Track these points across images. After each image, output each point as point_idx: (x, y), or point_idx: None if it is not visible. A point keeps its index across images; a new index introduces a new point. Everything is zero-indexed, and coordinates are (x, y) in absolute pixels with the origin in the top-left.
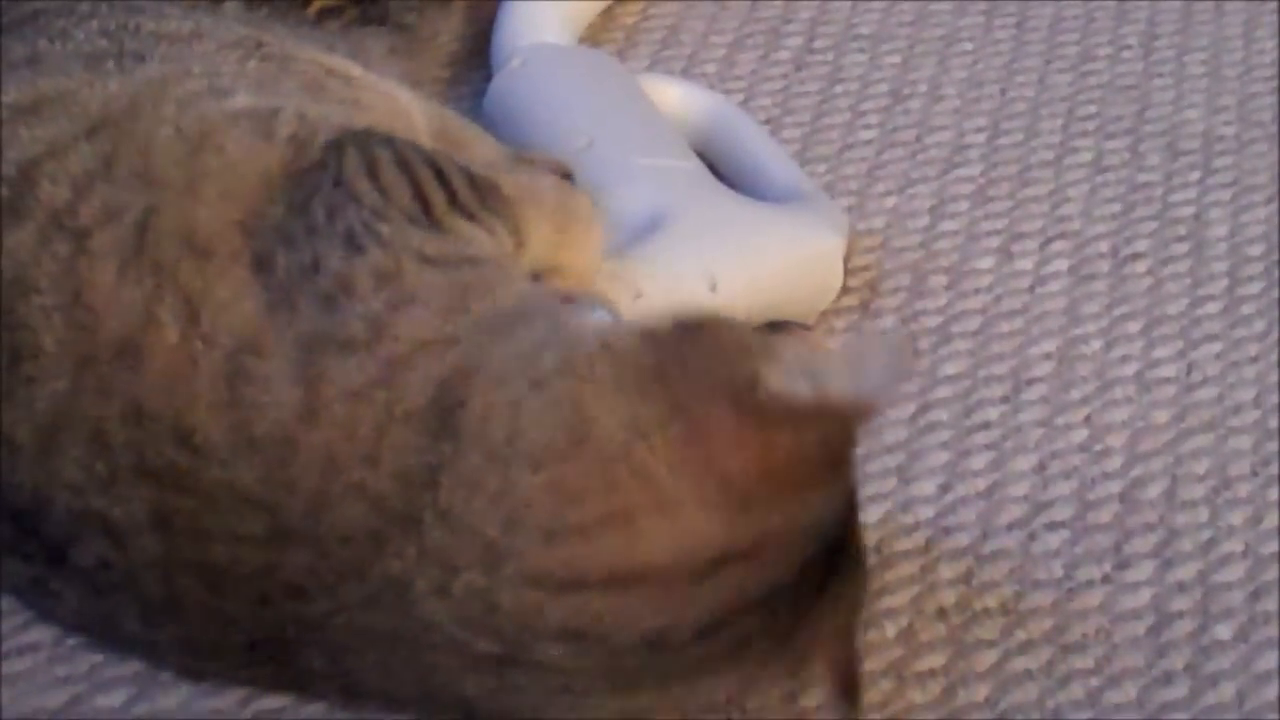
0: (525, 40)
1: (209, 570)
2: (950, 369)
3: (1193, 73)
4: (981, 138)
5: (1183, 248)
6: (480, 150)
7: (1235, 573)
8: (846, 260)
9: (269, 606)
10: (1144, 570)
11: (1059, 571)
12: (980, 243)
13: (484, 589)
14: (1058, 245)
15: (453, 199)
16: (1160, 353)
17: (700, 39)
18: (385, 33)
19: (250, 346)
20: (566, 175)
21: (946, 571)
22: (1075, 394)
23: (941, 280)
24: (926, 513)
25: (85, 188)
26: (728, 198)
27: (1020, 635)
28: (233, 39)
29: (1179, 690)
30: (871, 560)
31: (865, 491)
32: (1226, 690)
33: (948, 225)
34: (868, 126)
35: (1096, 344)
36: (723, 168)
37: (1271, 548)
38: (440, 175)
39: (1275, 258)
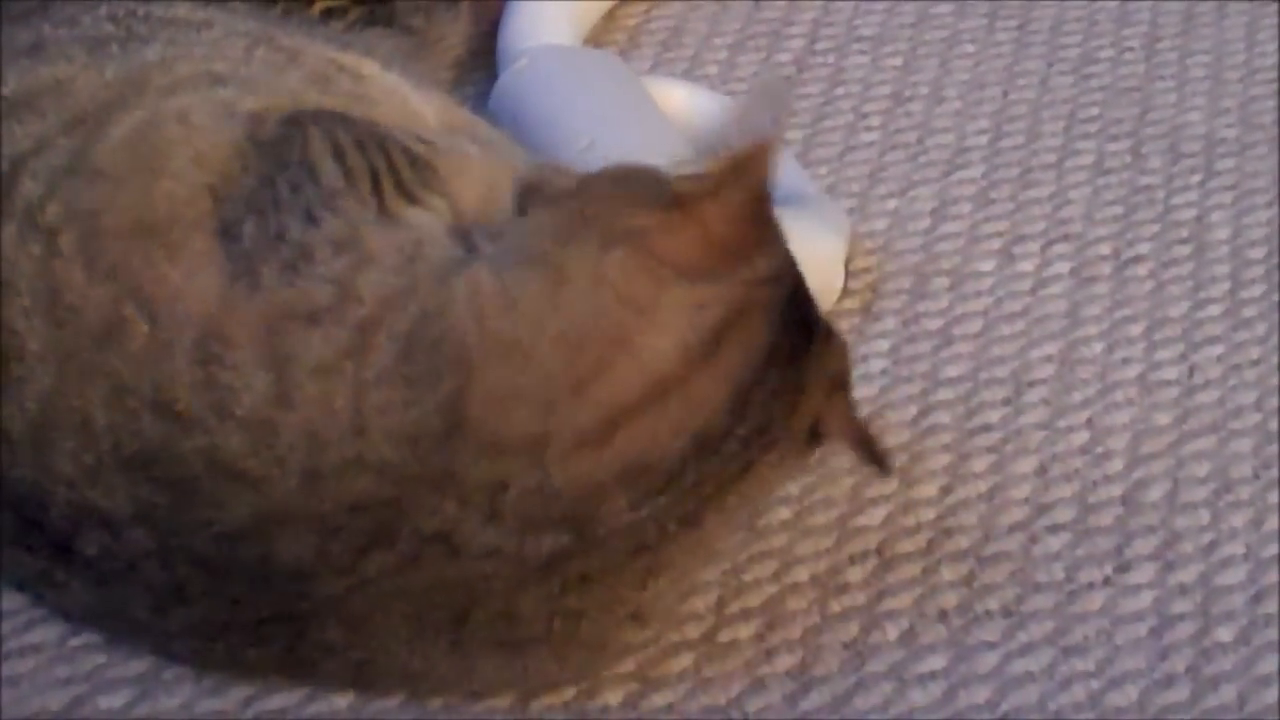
0: (531, 41)
1: (202, 558)
2: (951, 371)
3: (1195, 75)
4: (983, 140)
5: (1184, 250)
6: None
7: (1237, 575)
8: (848, 263)
9: (270, 588)
10: (1145, 573)
11: (1060, 574)
12: (982, 245)
13: (537, 485)
14: (1059, 248)
15: (399, 185)
16: (1162, 355)
17: (702, 40)
18: (391, 34)
19: (216, 334)
20: None
21: (948, 574)
22: (1077, 397)
23: (943, 282)
24: (928, 515)
25: (56, 184)
26: None
27: (1022, 638)
28: (243, 29)
29: (1180, 693)
30: (873, 563)
31: (867, 494)
32: (1228, 693)
33: (949, 227)
34: (869, 128)
35: (1098, 346)
36: None
37: (1273, 551)
38: (389, 159)
39: (1277, 261)
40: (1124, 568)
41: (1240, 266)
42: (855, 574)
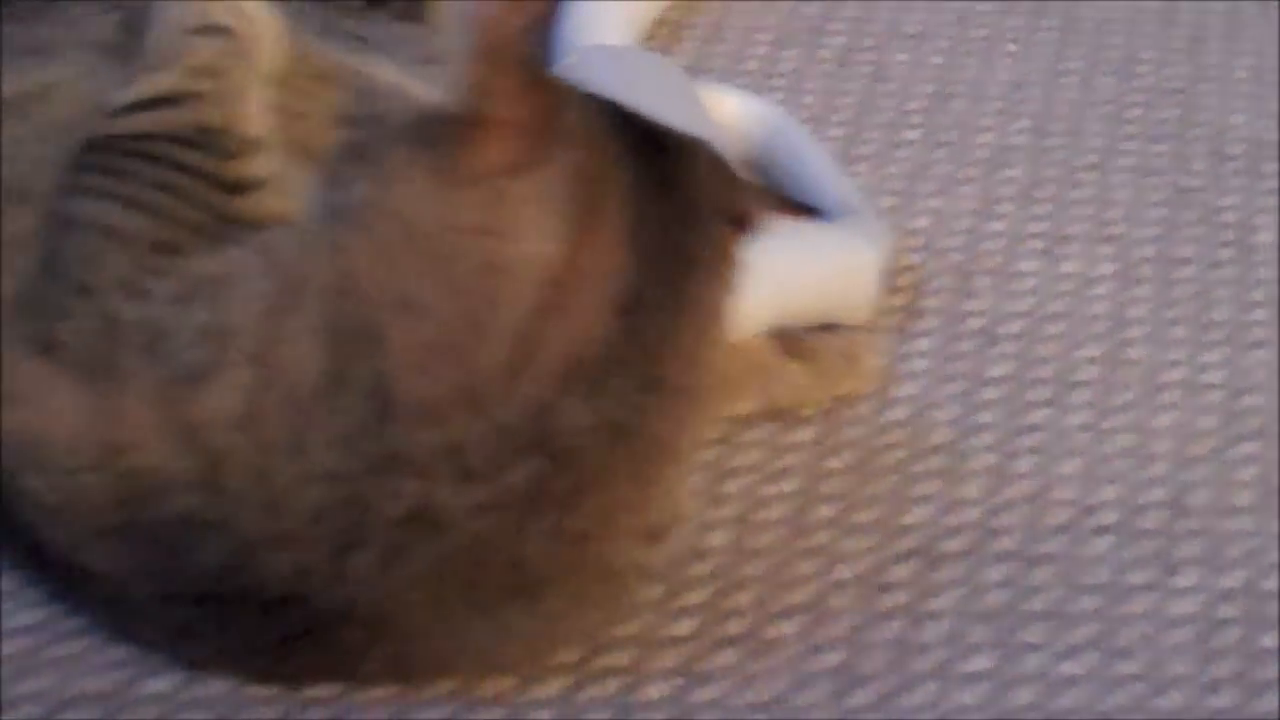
0: (584, 40)
1: (199, 597)
2: (996, 371)
3: (1239, 77)
4: (1026, 139)
5: (1229, 253)
6: None
7: None
8: (885, 276)
9: (272, 613)
10: (1191, 576)
11: (1106, 577)
12: (1025, 244)
13: (487, 429)
14: (1103, 248)
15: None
16: (1207, 358)
17: (743, 36)
18: (410, 27)
19: (113, 446)
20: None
21: (993, 574)
22: (1122, 398)
23: (986, 282)
24: (973, 515)
25: (16, 200)
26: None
27: (1068, 639)
28: None
29: (1226, 698)
30: (918, 562)
31: (911, 492)
32: (1272, 699)
33: (993, 226)
34: (912, 126)
35: (1143, 348)
36: (776, 178)
37: None
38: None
39: None
40: (1170, 571)
41: None
42: (900, 572)
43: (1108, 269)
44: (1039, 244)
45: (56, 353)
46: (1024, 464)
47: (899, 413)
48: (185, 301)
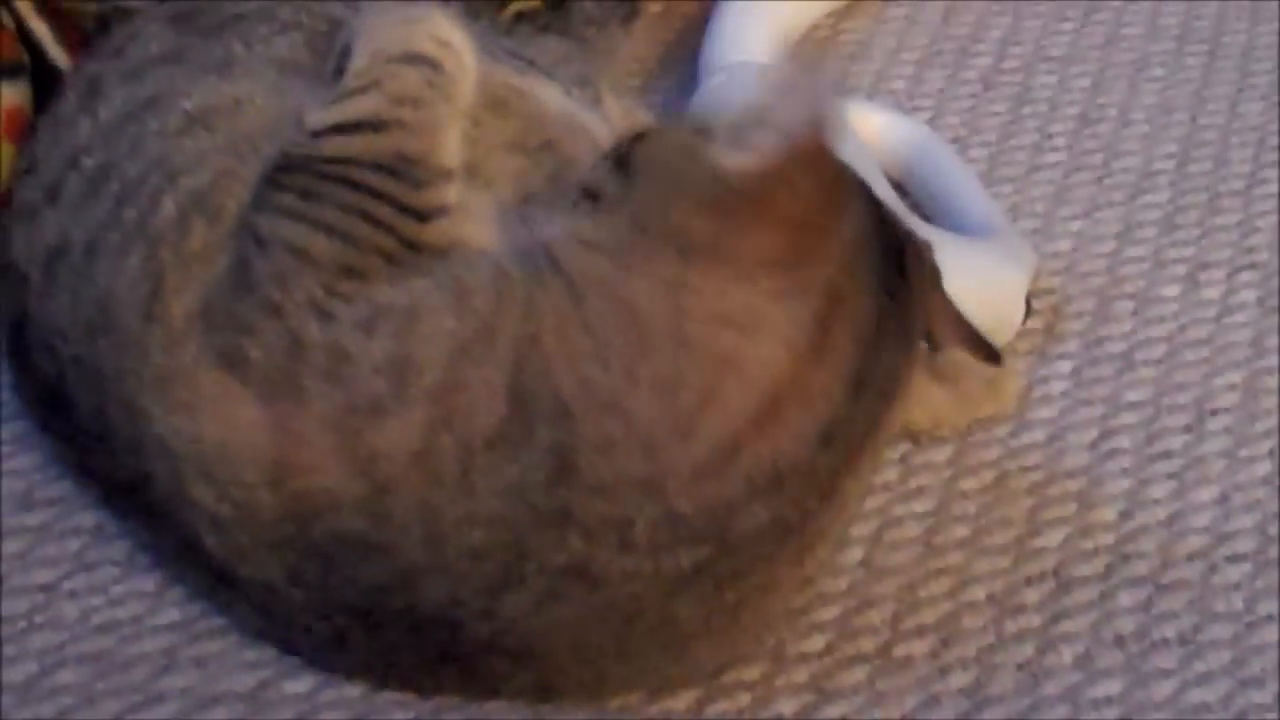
0: (732, 57)
1: (356, 610)
2: (1133, 396)
3: None
4: (1170, 164)
5: None
6: None
7: None
8: (1030, 296)
9: (424, 633)
10: None
11: (1239, 605)
12: (1166, 270)
13: (662, 515)
14: (1245, 275)
15: (397, 224)
16: None
17: (890, 55)
18: (562, 43)
19: (286, 466)
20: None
21: (1125, 599)
22: (1259, 426)
23: (1127, 306)
24: (1106, 539)
25: (187, 213)
26: (915, 225)
27: (1199, 667)
28: None
29: None
30: (1050, 585)
31: (1045, 515)
32: None
33: (1134, 251)
34: (1055, 149)
35: None
36: (919, 197)
37: None
38: (375, 217)
39: None
40: None
41: None
42: (1032, 595)
43: (1249, 296)
44: (1180, 269)
45: (240, 367)
46: (1159, 490)
47: (1035, 435)
48: (370, 329)
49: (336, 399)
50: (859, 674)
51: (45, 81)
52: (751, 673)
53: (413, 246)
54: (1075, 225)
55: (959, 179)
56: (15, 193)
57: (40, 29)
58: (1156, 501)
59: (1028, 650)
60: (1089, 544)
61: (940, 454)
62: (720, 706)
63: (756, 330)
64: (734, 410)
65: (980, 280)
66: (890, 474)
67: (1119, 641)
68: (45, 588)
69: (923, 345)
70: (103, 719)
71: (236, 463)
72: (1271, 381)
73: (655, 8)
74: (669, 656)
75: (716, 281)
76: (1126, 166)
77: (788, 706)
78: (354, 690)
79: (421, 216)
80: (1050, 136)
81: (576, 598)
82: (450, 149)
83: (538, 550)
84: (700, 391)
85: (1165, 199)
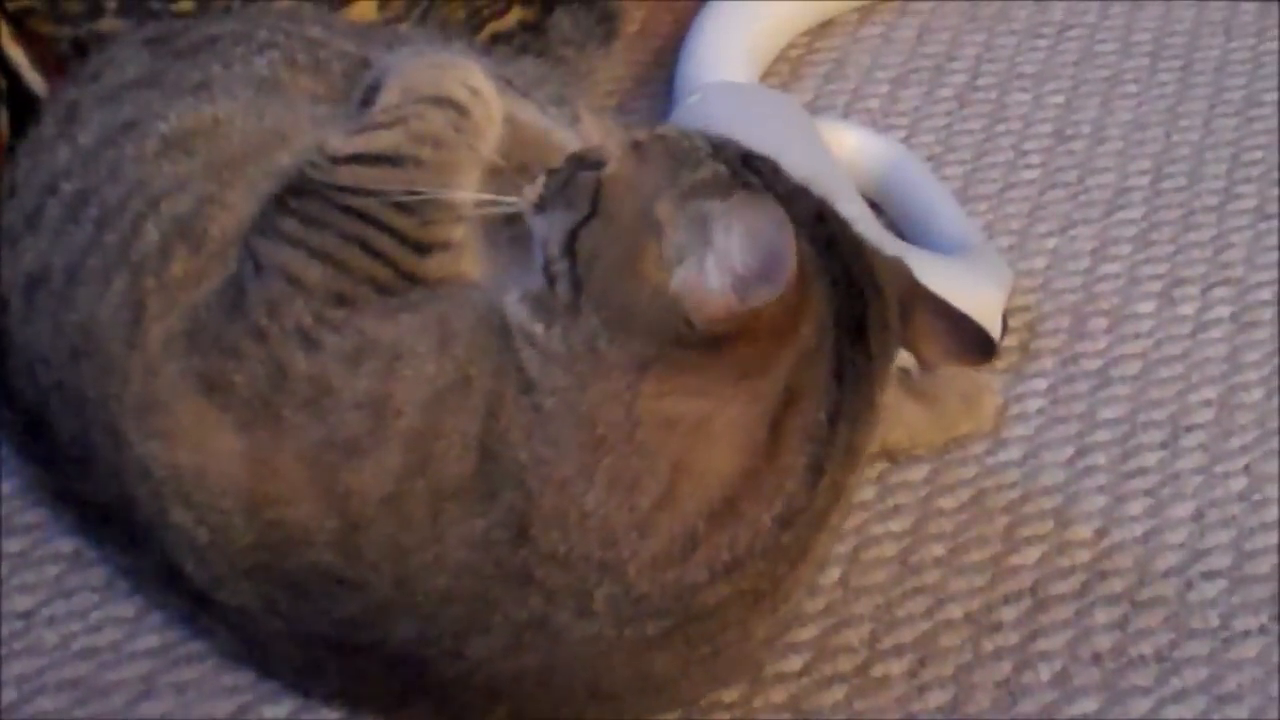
0: (708, 76)
1: (330, 641)
2: (1109, 413)
3: None
4: (1145, 181)
5: None
6: None
7: None
8: (1006, 314)
9: (396, 666)
10: None
11: (1215, 621)
12: (1141, 286)
13: (622, 592)
14: (1220, 291)
15: (398, 259)
16: None
17: (865, 74)
18: (539, 63)
19: (262, 498)
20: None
21: (1102, 617)
22: (1235, 442)
23: (1101, 323)
24: (1083, 557)
25: (170, 240)
26: (890, 244)
27: (1175, 684)
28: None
29: None
30: (1027, 603)
31: (1021, 533)
32: None
33: (1109, 268)
34: (1030, 166)
35: (1257, 393)
36: (895, 215)
37: None
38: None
39: None
40: None
41: None
42: (1009, 613)
43: (1223, 312)
44: (1155, 286)
45: (222, 392)
46: (1135, 507)
47: (1011, 453)
48: (355, 362)
49: (315, 432)
50: (837, 693)
51: (22, 107)
52: (730, 694)
53: (409, 278)
54: (1050, 242)
55: (934, 197)
56: None
57: (16, 54)
58: (1133, 518)
59: (1005, 668)
60: (1065, 561)
61: (917, 473)
62: None
63: (710, 437)
64: (689, 511)
65: (956, 298)
66: (867, 493)
67: (1096, 659)
68: (24, 614)
69: (899, 372)
70: None
71: (214, 489)
72: (1247, 397)
73: (632, 28)
74: (646, 698)
75: (671, 392)
76: (1101, 183)
77: None
78: (332, 715)
79: (423, 250)
80: (1025, 154)
81: (542, 649)
82: (465, 192)
83: (502, 602)
84: (655, 494)
85: (1140, 215)
